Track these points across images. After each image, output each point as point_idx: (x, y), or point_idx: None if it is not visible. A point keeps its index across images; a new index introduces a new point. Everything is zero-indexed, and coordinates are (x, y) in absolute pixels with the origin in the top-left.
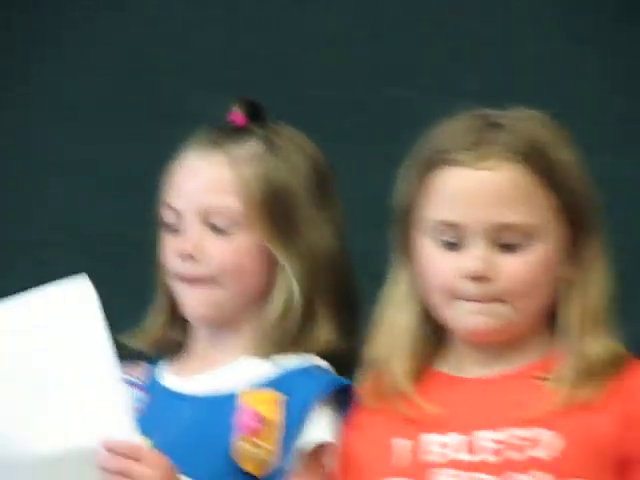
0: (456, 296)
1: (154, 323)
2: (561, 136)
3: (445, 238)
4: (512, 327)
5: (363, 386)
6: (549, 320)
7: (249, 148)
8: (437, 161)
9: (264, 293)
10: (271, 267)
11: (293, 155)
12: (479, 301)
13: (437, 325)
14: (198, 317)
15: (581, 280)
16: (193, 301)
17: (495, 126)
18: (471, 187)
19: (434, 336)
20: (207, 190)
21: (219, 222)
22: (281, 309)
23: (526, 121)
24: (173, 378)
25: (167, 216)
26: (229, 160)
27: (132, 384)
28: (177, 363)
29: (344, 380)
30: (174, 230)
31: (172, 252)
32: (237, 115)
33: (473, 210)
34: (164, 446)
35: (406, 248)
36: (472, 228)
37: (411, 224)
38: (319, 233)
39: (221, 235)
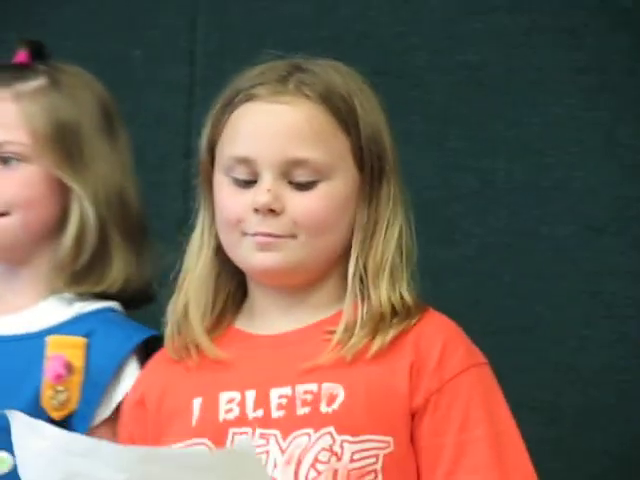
0: (244, 231)
1: None
2: (360, 85)
3: (238, 175)
4: (302, 267)
5: (167, 337)
6: (345, 272)
7: (33, 83)
8: (237, 98)
9: (58, 227)
10: (63, 199)
11: (79, 91)
12: (268, 235)
13: (237, 278)
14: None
15: (373, 228)
16: None
17: (298, 69)
18: (264, 120)
19: (237, 291)
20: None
21: (6, 155)
22: (75, 236)
23: (330, 67)
24: None
25: None
26: (13, 95)
27: None
28: None
29: (152, 330)
30: None
31: None
32: (21, 54)
33: (265, 144)
34: None
35: (206, 195)
36: (263, 162)
37: (213, 169)
38: (109, 166)
39: (8, 168)
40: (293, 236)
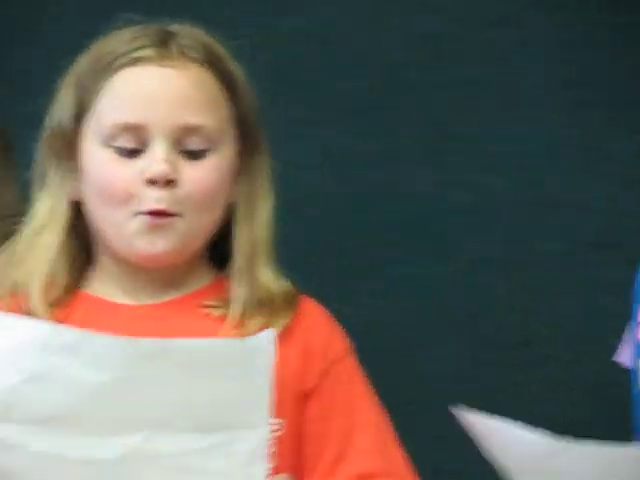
0: (136, 209)
1: None
2: (229, 53)
3: (125, 144)
4: (184, 249)
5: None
6: (215, 245)
7: None
8: (116, 62)
9: None
10: None
11: None
12: (160, 215)
13: (85, 242)
14: None
15: (249, 204)
16: None
17: (171, 33)
18: (155, 85)
19: (82, 254)
20: None
21: None
22: None
23: (199, 33)
24: None
25: None
26: None
27: None
28: None
29: None
30: None
31: None
32: None
33: (158, 110)
34: None
35: (63, 166)
36: (156, 129)
37: (79, 136)
38: (11, 193)
39: None
40: (180, 214)
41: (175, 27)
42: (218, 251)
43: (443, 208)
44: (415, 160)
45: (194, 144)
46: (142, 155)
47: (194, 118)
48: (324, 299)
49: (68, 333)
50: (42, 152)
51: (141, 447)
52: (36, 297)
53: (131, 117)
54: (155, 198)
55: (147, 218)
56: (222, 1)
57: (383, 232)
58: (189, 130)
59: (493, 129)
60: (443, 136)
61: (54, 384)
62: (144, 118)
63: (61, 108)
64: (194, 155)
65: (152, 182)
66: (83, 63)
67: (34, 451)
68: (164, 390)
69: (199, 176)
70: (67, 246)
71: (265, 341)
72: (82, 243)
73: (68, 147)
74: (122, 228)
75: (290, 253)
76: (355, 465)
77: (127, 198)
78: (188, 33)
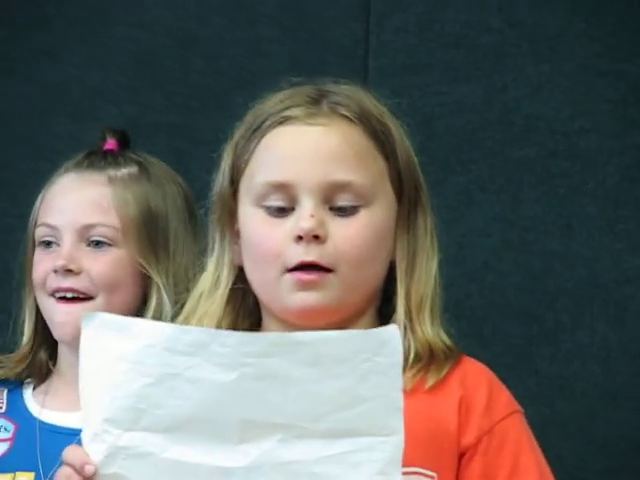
0: (285, 266)
1: (21, 347)
2: (389, 110)
3: (274, 203)
4: (341, 305)
5: None
6: (380, 303)
7: (125, 170)
8: (267, 123)
9: (136, 313)
10: (144, 286)
11: (166, 183)
12: (310, 270)
13: (252, 318)
14: (70, 335)
15: (413, 261)
16: (67, 317)
17: (326, 92)
18: (303, 143)
19: (249, 323)
20: (86, 207)
21: (97, 237)
22: None
23: (355, 91)
24: (49, 409)
25: (43, 234)
26: (106, 180)
27: None
28: (47, 391)
29: None
30: (49, 246)
31: (47, 268)
32: (110, 142)
33: (304, 167)
34: None
35: (225, 230)
36: (304, 186)
37: (236, 202)
38: (191, 258)
39: (98, 250)
40: (334, 270)
41: (330, 86)
42: (388, 303)
43: (620, 275)
44: (590, 228)
45: (344, 201)
46: (292, 214)
47: (342, 175)
48: (503, 365)
49: (193, 332)
50: (210, 220)
51: (272, 454)
52: None
53: (279, 176)
54: (303, 252)
55: (297, 274)
56: (394, 72)
57: (560, 299)
58: (338, 187)
59: None
60: (618, 203)
61: (181, 386)
62: (291, 176)
63: (221, 174)
64: (345, 211)
65: (299, 238)
66: (241, 125)
67: (166, 458)
68: (291, 390)
69: (350, 232)
70: (229, 311)
71: (390, 336)
72: (247, 308)
73: (229, 212)
74: (274, 287)
75: (468, 319)
76: None
77: (277, 257)
78: (342, 90)
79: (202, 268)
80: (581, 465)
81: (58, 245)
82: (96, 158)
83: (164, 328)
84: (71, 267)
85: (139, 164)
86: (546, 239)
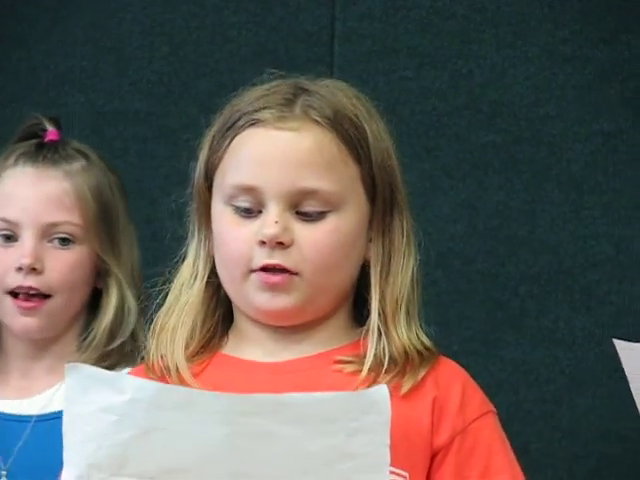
0: (250, 267)
1: None
2: (369, 109)
3: (241, 204)
4: (308, 307)
5: (147, 358)
6: (352, 304)
7: (78, 164)
8: (239, 122)
9: (87, 305)
10: (97, 280)
11: (107, 170)
12: (275, 272)
13: (226, 305)
14: (29, 331)
15: (389, 263)
16: (27, 314)
17: (303, 91)
18: (271, 148)
19: (221, 314)
20: (48, 204)
21: (61, 235)
22: (112, 320)
23: (335, 89)
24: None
25: (1, 226)
26: (64, 175)
27: None
28: None
29: None
30: (8, 240)
31: (6, 264)
32: (53, 132)
33: (271, 172)
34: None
35: (202, 222)
36: (270, 192)
37: (210, 196)
38: (134, 247)
39: (61, 248)
40: (299, 273)
41: (310, 84)
42: (362, 308)
43: (585, 261)
44: (554, 213)
45: (310, 207)
46: (259, 215)
47: (309, 182)
48: (468, 351)
49: (176, 391)
50: (189, 210)
51: None
52: (176, 353)
53: (246, 179)
54: (266, 255)
55: (261, 275)
56: (360, 58)
57: (525, 284)
58: (304, 194)
59: (636, 179)
60: (582, 189)
61: (167, 438)
62: (258, 180)
63: (199, 166)
64: (311, 217)
65: (263, 243)
66: (218, 120)
67: None
68: (279, 447)
69: (315, 238)
70: (205, 302)
71: (379, 396)
72: (221, 298)
73: (205, 205)
74: (241, 286)
75: (434, 306)
76: None
77: (241, 257)
78: (321, 91)
79: (183, 257)
80: (546, 451)
81: (16, 240)
82: (48, 151)
83: (150, 385)
84: (36, 266)
85: (83, 155)
86: (511, 225)
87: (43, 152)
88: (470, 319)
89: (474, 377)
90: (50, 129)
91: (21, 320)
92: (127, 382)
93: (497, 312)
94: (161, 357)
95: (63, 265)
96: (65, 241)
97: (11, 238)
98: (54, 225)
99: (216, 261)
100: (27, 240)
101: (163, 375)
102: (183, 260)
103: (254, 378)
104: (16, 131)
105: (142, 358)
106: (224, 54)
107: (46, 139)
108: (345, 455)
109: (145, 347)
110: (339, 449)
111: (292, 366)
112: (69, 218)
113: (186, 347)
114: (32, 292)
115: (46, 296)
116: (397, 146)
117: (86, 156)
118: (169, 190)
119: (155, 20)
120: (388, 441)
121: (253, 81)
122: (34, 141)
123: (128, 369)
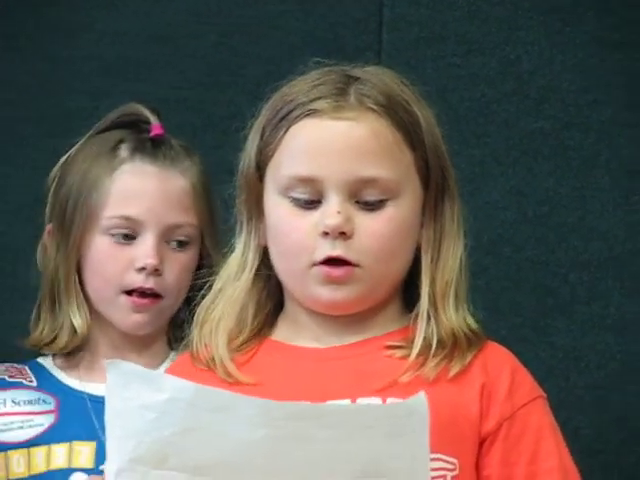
0: (312, 260)
1: (82, 329)
2: (416, 93)
3: (301, 195)
4: (368, 297)
5: (192, 349)
6: (403, 289)
7: (187, 162)
8: (293, 113)
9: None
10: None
11: (201, 164)
12: (337, 264)
13: (276, 297)
14: (139, 328)
15: (439, 248)
16: (139, 311)
17: (353, 79)
18: (330, 138)
19: (272, 304)
20: (172, 205)
21: (181, 238)
22: None
23: (383, 76)
24: (89, 382)
25: (119, 226)
26: (180, 173)
27: (24, 386)
28: (78, 365)
29: None
30: (125, 239)
31: (125, 263)
32: (157, 126)
33: (331, 162)
34: None
35: (252, 213)
36: (330, 182)
37: (262, 186)
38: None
39: (179, 251)
40: (360, 265)
41: (359, 71)
42: (414, 292)
43: (635, 247)
44: (604, 199)
45: (370, 195)
46: (319, 207)
47: (369, 170)
48: (518, 338)
49: (214, 394)
50: (237, 202)
51: None
52: (220, 345)
53: (305, 170)
54: (329, 247)
55: (324, 268)
56: (408, 45)
57: (575, 271)
58: (364, 182)
59: None
60: (632, 175)
61: (206, 437)
62: (318, 171)
63: (248, 156)
64: (371, 206)
65: (325, 234)
66: (268, 110)
67: None
68: (317, 449)
69: (376, 227)
70: (255, 293)
71: (419, 405)
72: (271, 290)
73: (255, 195)
74: (301, 278)
75: (484, 292)
76: None
77: (303, 249)
78: (371, 78)
79: (231, 249)
80: (597, 437)
81: (134, 238)
82: (163, 148)
83: (188, 386)
84: (159, 268)
85: (187, 150)
86: (561, 211)
87: (161, 148)
88: (520, 306)
89: (524, 364)
90: (155, 123)
91: (133, 317)
92: (166, 381)
93: (547, 299)
94: (205, 347)
95: (180, 268)
96: (182, 243)
97: (129, 237)
98: (176, 227)
99: (271, 253)
100: (150, 240)
101: (209, 366)
102: (231, 251)
103: (303, 365)
104: (105, 118)
105: (185, 346)
106: (272, 42)
107: (153, 133)
108: (385, 458)
109: (188, 336)
110: (379, 452)
111: (342, 352)
112: (188, 219)
113: (234, 338)
114: (148, 292)
115: (158, 295)
116: (446, 133)
117: (189, 152)
118: (218, 179)
119: (203, 8)
120: (428, 447)
121: (299, 70)
122: (141, 135)
123: None
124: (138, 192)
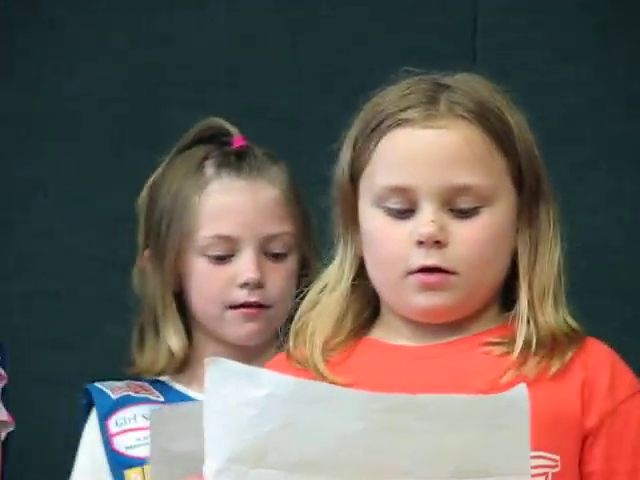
0: (408, 269)
1: (177, 352)
2: (508, 100)
3: (395, 205)
4: (465, 304)
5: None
6: (501, 291)
7: (274, 168)
8: (385, 123)
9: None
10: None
11: (286, 167)
12: (433, 272)
13: (371, 306)
14: (251, 337)
15: (535, 252)
16: (250, 320)
17: (443, 87)
18: (421, 147)
19: (369, 312)
20: (265, 216)
21: (277, 249)
22: None
23: (473, 82)
24: None
25: (216, 245)
26: (269, 183)
27: (152, 401)
28: (192, 381)
29: None
30: (224, 259)
31: (225, 280)
32: (239, 138)
33: (423, 172)
34: None
35: (348, 224)
36: (423, 191)
37: (357, 197)
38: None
39: (279, 261)
40: (456, 272)
41: (449, 79)
42: (510, 294)
43: None
44: None
45: (464, 203)
46: (413, 216)
47: (462, 178)
48: (616, 343)
49: (314, 387)
50: (334, 214)
51: None
52: (316, 348)
53: (398, 180)
54: (424, 256)
55: (419, 276)
56: (502, 51)
57: None
58: (458, 190)
59: None
60: None
61: (306, 431)
62: (410, 181)
63: (341, 168)
64: (465, 214)
65: (420, 243)
66: (360, 121)
67: None
68: (417, 441)
69: (470, 235)
70: (351, 303)
71: (519, 397)
72: (367, 299)
73: (351, 207)
74: (397, 287)
75: (580, 297)
76: None
77: (398, 259)
78: (461, 86)
79: (329, 260)
80: None
81: (232, 256)
82: (247, 158)
83: (288, 380)
84: (261, 281)
85: (272, 158)
86: None
87: (245, 160)
88: (617, 311)
89: None
90: (236, 135)
91: (245, 327)
92: (265, 377)
93: None
94: (300, 352)
95: (282, 278)
96: (281, 253)
97: (225, 258)
98: (272, 237)
99: (367, 263)
100: (249, 255)
101: (305, 366)
102: (329, 262)
103: (399, 363)
104: (186, 135)
105: (278, 348)
106: (365, 51)
107: (235, 145)
108: (483, 447)
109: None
110: (477, 442)
111: (439, 350)
112: (284, 228)
113: (329, 339)
114: (254, 305)
115: (265, 306)
116: (540, 138)
117: (274, 159)
118: (313, 189)
119: (294, 17)
120: (528, 435)
121: (391, 80)
122: (224, 149)
123: None
124: (229, 209)
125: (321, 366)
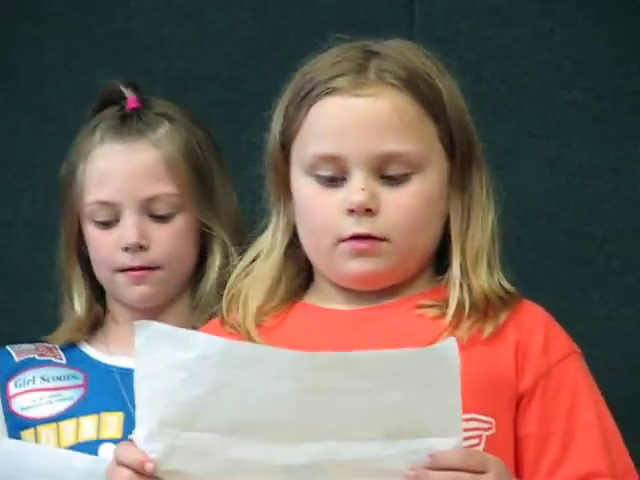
0: (339, 237)
1: (79, 314)
2: (439, 66)
3: (326, 173)
4: (397, 270)
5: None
6: (434, 254)
7: (162, 129)
8: (315, 92)
9: (195, 269)
10: (200, 243)
11: (192, 126)
12: (365, 239)
13: (304, 272)
14: (144, 299)
15: (468, 217)
16: (139, 283)
17: (373, 54)
18: (350, 115)
19: (302, 278)
20: (142, 178)
21: (160, 210)
22: (217, 278)
23: (404, 49)
24: (118, 355)
25: (99, 211)
26: (152, 144)
27: (53, 364)
28: (106, 340)
29: None
30: (108, 224)
31: (110, 245)
32: (133, 99)
33: (353, 140)
34: None
35: (280, 192)
36: (353, 159)
37: (288, 166)
38: (230, 199)
39: (163, 222)
40: (387, 239)
41: (379, 46)
42: (444, 258)
43: None
44: None
45: (395, 170)
46: (344, 184)
47: (391, 146)
48: (553, 309)
49: (244, 347)
50: (266, 182)
51: (333, 453)
52: (249, 320)
53: (328, 149)
54: (355, 224)
55: (351, 243)
56: (440, 18)
57: (610, 242)
58: (388, 158)
59: None
60: None
61: (236, 394)
62: (340, 149)
63: (273, 137)
64: (396, 181)
65: (351, 211)
66: (291, 89)
67: (226, 455)
68: (350, 400)
69: (401, 202)
70: (285, 270)
71: (448, 350)
72: (300, 266)
73: (282, 175)
74: (329, 255)
75: (519, 264)
76: (578, 465)
77: (329, 227)
78: (391, 53)
79: (263, 227)
80: (634, 408)
81: (117, 221)
82: (132, 121)
83: (218, 341)
84: (142, 244)
85: (166, 117)
86: (595, 182)
87: (127, 123)
88: (555, 277)
89: None
90: (129, 96)
91: (135, 289)
92: (195, 338)
93: (582, 270)
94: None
95: (167, 238)
96: (166, 214)
97: (110, 223)
98: (153, 199)
99: (299, 231)
100: (129, 219)
101: (238, 331)
102: (262, 230)
103: (335, 326)
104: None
105: (211, 316)
106: (305, 17)
107: (128, 107)
108: (416, 405)
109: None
110: (410, 400)
111: (373, 313)
112: (166, 189)
113: (263, 305)
114: (137, 269)
115: (152, 268)
116: (479, 106)
117: (170, 117)
118: (253, 154)
119: None
120: (459, 391)
121: (324, 47)
122: (116, 112)
123: None
124: (108, 174)
125: (253, 331)
